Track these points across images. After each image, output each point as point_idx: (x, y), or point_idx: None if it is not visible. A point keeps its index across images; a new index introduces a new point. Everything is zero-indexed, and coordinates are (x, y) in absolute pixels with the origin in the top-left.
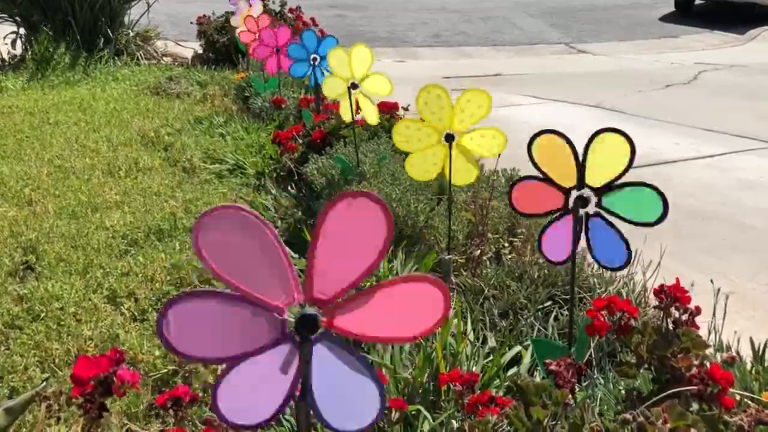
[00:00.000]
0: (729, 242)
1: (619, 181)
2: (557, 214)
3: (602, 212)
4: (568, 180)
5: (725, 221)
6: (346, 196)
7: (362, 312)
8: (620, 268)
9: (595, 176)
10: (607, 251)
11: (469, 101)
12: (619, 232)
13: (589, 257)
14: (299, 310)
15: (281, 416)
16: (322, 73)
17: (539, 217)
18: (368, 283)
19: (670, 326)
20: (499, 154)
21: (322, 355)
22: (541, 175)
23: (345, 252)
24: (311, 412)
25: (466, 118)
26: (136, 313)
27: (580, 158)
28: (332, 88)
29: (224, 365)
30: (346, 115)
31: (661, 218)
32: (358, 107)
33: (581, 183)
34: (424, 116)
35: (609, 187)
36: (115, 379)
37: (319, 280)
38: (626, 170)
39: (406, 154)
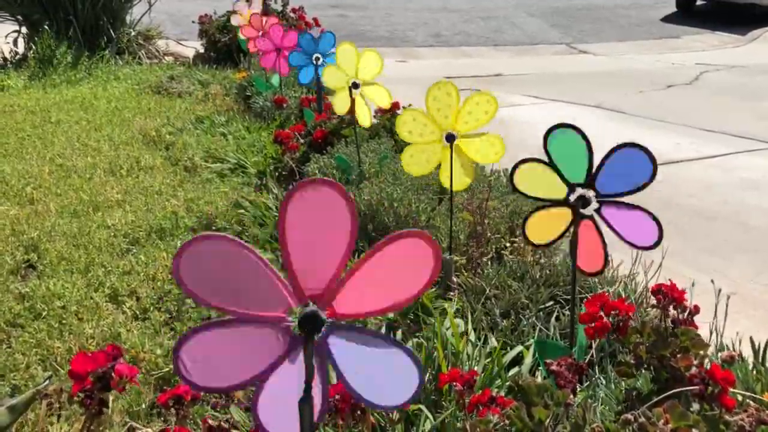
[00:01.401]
0: (731, 242)
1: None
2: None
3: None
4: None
5: (727, 221)
6: (298, 188)
7: (357, 291)
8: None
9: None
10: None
11: (478, 104)
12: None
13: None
14: (299, 312)
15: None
16: None
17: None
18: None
19: (669, 326)
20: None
21: (338, 345)
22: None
23: (317, 242)
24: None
25: (471, 121)
26: (137, 312)
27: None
28: (332, 78)
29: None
30: (339, 109)
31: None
32: (352, 106)
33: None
34: (431, 111)
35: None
36: (113, 374)
37: (301, 276)
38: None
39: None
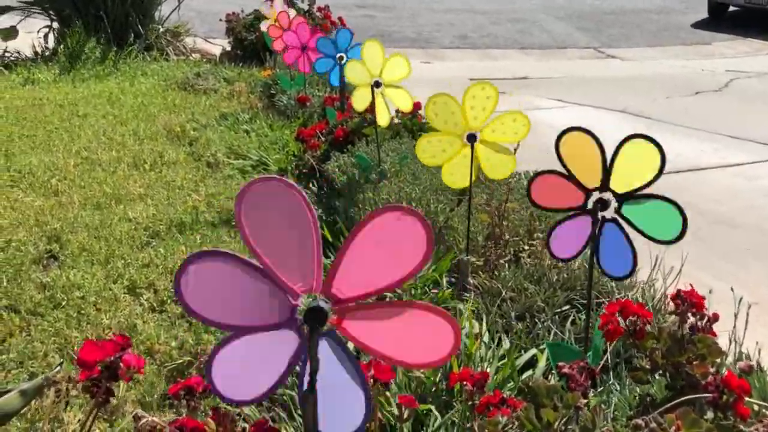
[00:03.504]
0: (754, 250)
1: (643, 192)
2: (573, 213)
3: (619, 219)
4: (592, 181)
5: (750, 229)
6: (396, 210)
7: (372, 323)
8: (622, 278)
9: (620, 181)
10: (614, 259)
11: (475, 97)
12: (630, 240)
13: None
14: (312, 301)
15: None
16: None
17: (556, 212)
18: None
19: (687, 332)
20: (516, 148)
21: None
22: (564, 171)
23: (375, 261)
24: (314, 405)
25: (479, 114)
26: (154, 304)
27: (608, 161)
28: (355, 74)
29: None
30: (357, 105)
31: (678, 238)
32: (372, 104)
33: (604, 185)
34: (438, 126)
35: (631, 195)
36: (121, 363)
37: (341, 277)
38: (653, 180)
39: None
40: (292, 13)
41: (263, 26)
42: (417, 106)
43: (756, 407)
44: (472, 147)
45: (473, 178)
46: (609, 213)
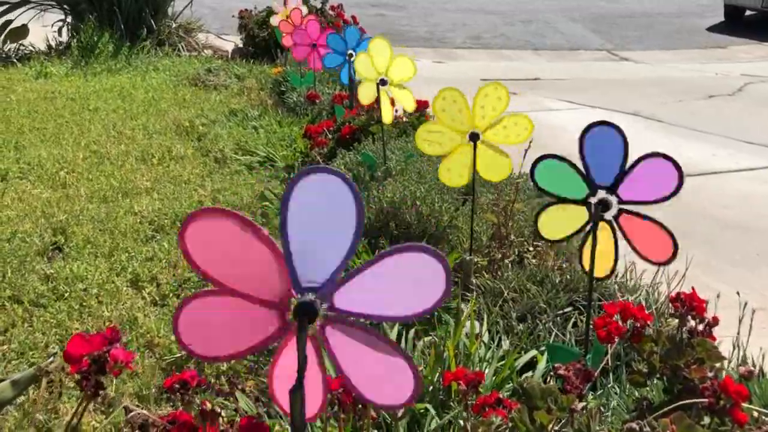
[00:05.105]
0: (763, 256)
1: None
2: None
3: (625, 207)
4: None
5: (761, 234)
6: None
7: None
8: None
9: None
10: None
11: (487, 96)
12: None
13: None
14: (308, 297)
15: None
16: None
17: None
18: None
19: (686, 336)
20: (527, 148)
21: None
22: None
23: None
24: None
25: (488, 114)
26: (156, 298)
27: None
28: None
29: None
30: (362, 98)
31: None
32: (393, 103)
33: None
34: (445, 123)
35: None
36: (108, 358)
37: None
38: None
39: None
40: (305, 10)
41: (273, 20)
42: (424, 104)
43: (756, 413)
44: (475, 146)
45: (468, 178)
46: (608, 214)
